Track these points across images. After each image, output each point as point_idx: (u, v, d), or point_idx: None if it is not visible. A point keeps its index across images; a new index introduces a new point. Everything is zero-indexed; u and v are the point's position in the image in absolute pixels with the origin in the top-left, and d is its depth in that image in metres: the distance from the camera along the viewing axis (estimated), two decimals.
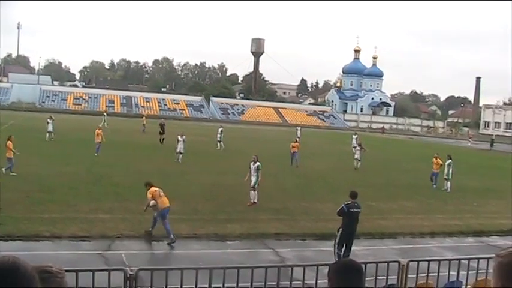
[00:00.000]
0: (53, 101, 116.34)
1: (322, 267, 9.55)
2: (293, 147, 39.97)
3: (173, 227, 19.21)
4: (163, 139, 48.72)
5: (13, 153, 27.63)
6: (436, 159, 33.82)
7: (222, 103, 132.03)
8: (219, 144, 49.75)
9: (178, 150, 37.61)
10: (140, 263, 13.40)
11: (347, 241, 16.44)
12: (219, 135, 50.18)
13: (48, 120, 47.18)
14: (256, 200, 24.74)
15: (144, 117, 68.87)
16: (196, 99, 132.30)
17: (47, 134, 45.84)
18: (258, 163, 25.20)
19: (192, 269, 9.25)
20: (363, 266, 3.93)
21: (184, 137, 38.14)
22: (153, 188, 18.53)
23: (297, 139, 65.10)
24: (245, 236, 19.28)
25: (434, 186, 33.24)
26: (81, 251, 16.34)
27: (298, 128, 70.49)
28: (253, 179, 24.76)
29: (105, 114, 76.26)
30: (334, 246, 16.46)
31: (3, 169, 27.49)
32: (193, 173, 32.18)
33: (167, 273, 8.85)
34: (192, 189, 27.07)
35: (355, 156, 40.47)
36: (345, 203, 16.64)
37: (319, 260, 14.18)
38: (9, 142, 27.69)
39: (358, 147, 41.15)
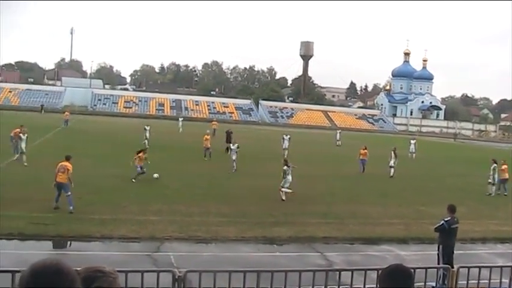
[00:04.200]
0: (105, 104, 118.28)
1: (370, 271, 9.50)
2: (361, 154, 39.28)
3: (222, 230, 19.37)
4: (229, 148, 46.07)
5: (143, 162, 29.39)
6: (503, 165, 32.66)
7: (271, 106, 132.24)
8: (285, 152, 45.55)
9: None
10: (188, 265, 13.48)
11: (449, 257, 15.04)
12: (286, 143, 46.94)
13: (146, 127, 48.11)
14: None
15: (213, 122, 69.19)
16: (246, 102, 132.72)
17: (145, 141, 46.64)
18: None
19: (240, 272, 9.29)
20: (412, 271, 3.96)
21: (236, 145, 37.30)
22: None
23: (338, 142, 65.38)
24: (293, 239, 19.23)
25: (499, 192, 32.23)
26: (130, 252, 16.52)
27: (338, 131, 69.82)
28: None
29: (180, 119, 75.39)
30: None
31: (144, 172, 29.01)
32: (242, 175, 32.25)
33: (215, 276, 8.91)
34: (240, 192, 27.13)
35: (390, 163, 38.27)
36: (445, 219, 15.31)
37: (367, 265, 14.08)
38: (141, 154, 29.54)
39: (393, 154, 38.65)
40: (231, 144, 37.58)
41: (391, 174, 37.62)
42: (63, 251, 16.08)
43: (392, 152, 38.83)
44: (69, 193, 20.43)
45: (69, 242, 17.17)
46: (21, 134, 32.47)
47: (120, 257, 15.73)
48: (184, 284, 8.80)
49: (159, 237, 17.94)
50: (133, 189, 26.03)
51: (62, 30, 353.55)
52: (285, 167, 26.26)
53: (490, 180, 32.15)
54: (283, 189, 25.88)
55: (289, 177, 26.13)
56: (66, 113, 71.27)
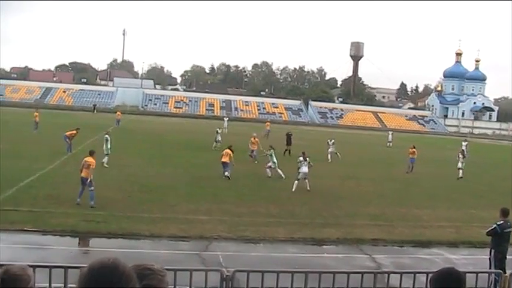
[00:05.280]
0: (155, 104, 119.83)
1: (419, 275, 9.40)
2: (410, 153, 39.60)
3: (270, 230, 19.39)
4: (289, 150, 44.00)
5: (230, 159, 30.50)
6: None
7: (320, 107, 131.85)
8: (331, 156, 44.32)
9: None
10: (237, 264, 13.52)
11: (501, 262, 14.60)
12: (331, 147, 44.88)
13: (218, 130, 48.62)
14: None
15: (267, 123, 69.21)
16: (295, 103, 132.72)
17: (214, 143, 46.42)
18: None
19: (288, 273, 9.30)
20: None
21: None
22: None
23: (389, 143, 64.86)
24: (341, 241, 19.13)
25: None
26: (179, 251, 16.70)
27: (390, 133, 69.50)
28: None
29: (225, 119, 74.29)
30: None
31: (226, 174, 29.87)
32: (291, 176, 32.20)
33: (263, 276, 8.93)
34: (289, 192, 27.09)
35: (458, 165, 38.17)
36: (498, 222, 14.88)
37: (416, 268, 13.94)
38: (229, 150, 30.70)
39: (460, 156, 38.83)
40: (272, 150, 33.55)
41: (460, 175, 37.48)
42: (113, 249, 16.30)
43: (460, 153, 39.16)
44: (92, 188, 20.78)
45: (119, 239, 17.42)
46: (106, 135, 32.90)
47: (169, 256, 15.91)
48: (232, 283, 8.85)
49: (207, 237, 18.05)
50: (183, 189, 26.27)
51: (115, 32, 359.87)
52: (301, 158, 27.86)
53: None
54: (295, 181, 27.46)
55: (305, 169, 27.37)
56: (118, 112, 72.50)
